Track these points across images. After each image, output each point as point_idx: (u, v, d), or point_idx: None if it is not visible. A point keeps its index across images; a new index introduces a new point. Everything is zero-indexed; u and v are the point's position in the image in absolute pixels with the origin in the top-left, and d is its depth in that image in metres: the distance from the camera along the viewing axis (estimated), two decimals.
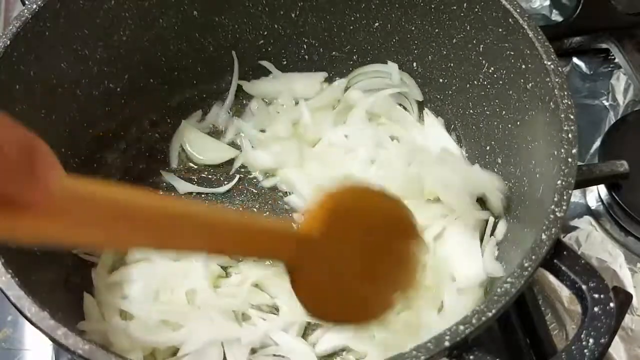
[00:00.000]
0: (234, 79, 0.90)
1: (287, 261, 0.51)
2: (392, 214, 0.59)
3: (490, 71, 0.73)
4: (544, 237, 0.54)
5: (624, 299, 0.73)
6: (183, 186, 0.84)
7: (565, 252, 0.55)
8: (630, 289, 0.80)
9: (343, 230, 0.54)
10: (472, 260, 0.73)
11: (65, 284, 0.72)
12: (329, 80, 0.91)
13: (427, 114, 0.87)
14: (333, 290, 0.55)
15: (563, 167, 0.57)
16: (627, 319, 0.77)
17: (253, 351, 0.71)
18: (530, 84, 0.67)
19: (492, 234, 0.75)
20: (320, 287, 0.54)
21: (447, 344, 0.49)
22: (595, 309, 0.51)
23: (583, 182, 0.71)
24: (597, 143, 0.92)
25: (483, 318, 0.51)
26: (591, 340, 0.50)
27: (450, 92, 0.82)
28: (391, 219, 0.59)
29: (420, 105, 0.88)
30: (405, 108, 0.88)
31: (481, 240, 0.75)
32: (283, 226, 0.55)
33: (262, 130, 0.88)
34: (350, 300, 0.57)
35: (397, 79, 0.86)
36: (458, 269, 0.73)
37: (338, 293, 0.56)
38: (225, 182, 0.85)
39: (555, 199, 0.56)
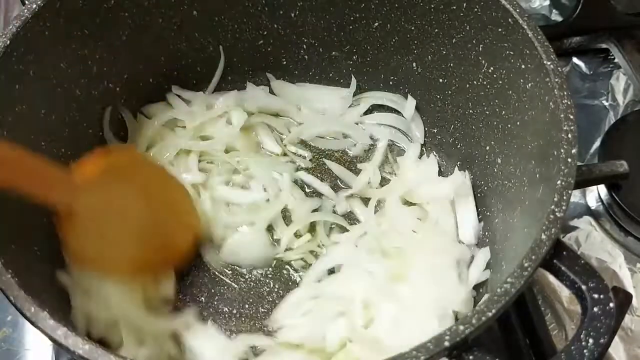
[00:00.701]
0: (215, 77, 0.90)
1: (58, 203, 0.57)
2: (161, 179, 0.69)
3: (490, 71, 0.73)
4: (543, 237, 0.54)
5: (623, 299, 0.73)
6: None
7: (565, 252, 0.55)
8: (630, 289, 0.80)
9: (114, 184, 0.61)
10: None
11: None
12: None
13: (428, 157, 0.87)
14: (103, 239, 0.62)
15: (563, 167, 0.57)
16: (627, 319, 0.77)
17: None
18: (530, 84, 0.67)
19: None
20: (90, 235, 0.60)
21: (447, 344, 0.49)
22: (595, 309, 0.51)
23: (583, 182, 0.71)
24: (597, 143, 0.92)
25: (483, 318, 0.51)
26: (591, 341, 0.50)
27: (450, 92, 0.82)
28: (161, 183, 0.68)
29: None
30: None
31: None
32: (58, 169, 0.58)
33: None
34: (121, 250, 0.64)
35: (410, 114, 0.86)
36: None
37: (109, 242, 0.62)
38: None
39: (555, 199, 0.56)
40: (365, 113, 0.90)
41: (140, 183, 0.66)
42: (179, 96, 0.88)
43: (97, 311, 0.68)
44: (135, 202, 0.65)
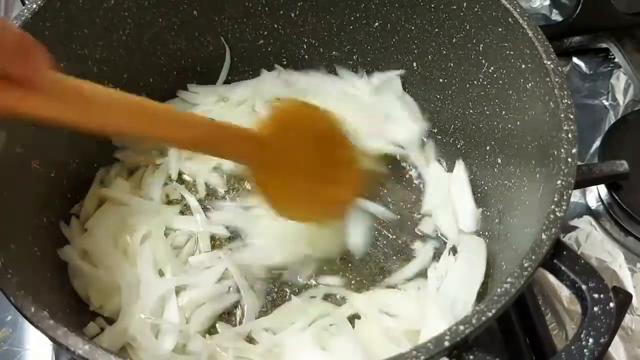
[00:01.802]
0: (222, 74, 0.90)
1: (249, 162, 0.64)
2: (329, 126, 0.70)
3: (490, 71, 0.73)
4: (544, 237, 0.54)
5: (623, 299, 0.73)
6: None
7: (565, 252, 0.55)
8: (630, 289, 0.80)
9: (291, 136, 0.66)
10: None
11: (65, 284, 0.72)
12: None
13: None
14: (291, 190, 0.68)
15: (563, 167, 0.57)
16: (627, 319, 0.77)
17: None
18: (530, 84, 0.67)
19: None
20: (279, 187, 0.66)
21: (447, 344, 0.49)
22: (595, 308, 0.51)
23: (583, 182, 0.71)
24: (597, 143, 0.92)
25: (483, 318, 0.51)
26: (591, 340, 0.50)
27: (450, 92, 0.82)
28: (329, 130, 0.70)
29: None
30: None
31: None
32: (245, 129, 0.65)
33: None
34: (309, 200, 0.70)
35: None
36: None
37: (296, 193, 0.68)
38: None
39: (555, 199, 0.56)
40: None
41: (308, 127, 0.69)
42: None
43: (97, 277, 0.71)
44: (308, 145, 0.68)
